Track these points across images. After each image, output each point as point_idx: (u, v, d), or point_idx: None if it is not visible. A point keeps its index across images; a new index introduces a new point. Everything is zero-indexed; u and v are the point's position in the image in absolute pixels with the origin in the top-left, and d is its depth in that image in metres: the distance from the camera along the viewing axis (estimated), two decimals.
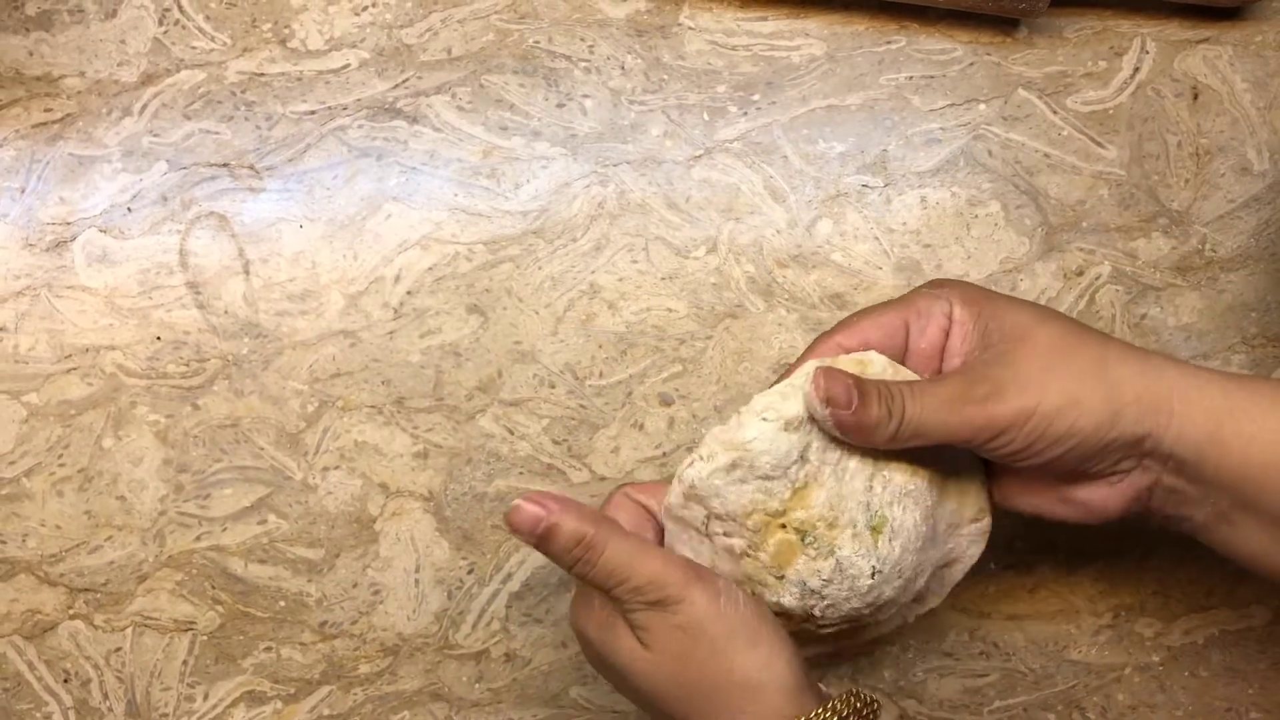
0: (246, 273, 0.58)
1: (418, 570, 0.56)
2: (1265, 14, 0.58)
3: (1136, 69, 0.59)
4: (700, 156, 0.58)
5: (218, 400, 0.56)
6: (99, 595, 0.55)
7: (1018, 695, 0.56)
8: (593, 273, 0.57)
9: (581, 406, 0.56)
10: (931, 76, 0.59)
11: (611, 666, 0.45)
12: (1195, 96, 0.59)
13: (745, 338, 0.57)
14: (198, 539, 0.55)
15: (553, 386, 0.57)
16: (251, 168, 0.58)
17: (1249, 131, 0.59)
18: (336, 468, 0.56)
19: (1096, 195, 0.57)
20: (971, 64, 0.59)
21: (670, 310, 0.57)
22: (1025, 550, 0.56)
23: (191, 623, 0.55)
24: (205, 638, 0.55)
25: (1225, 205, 0.57)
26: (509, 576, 0.56)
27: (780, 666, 0.42)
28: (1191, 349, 0.57)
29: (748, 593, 0.45)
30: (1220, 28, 0.58)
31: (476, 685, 0.55)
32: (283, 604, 0.55)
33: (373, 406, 0.56)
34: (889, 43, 0.59)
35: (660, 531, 0.47)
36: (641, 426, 0.56)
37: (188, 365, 0.56)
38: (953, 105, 0.59)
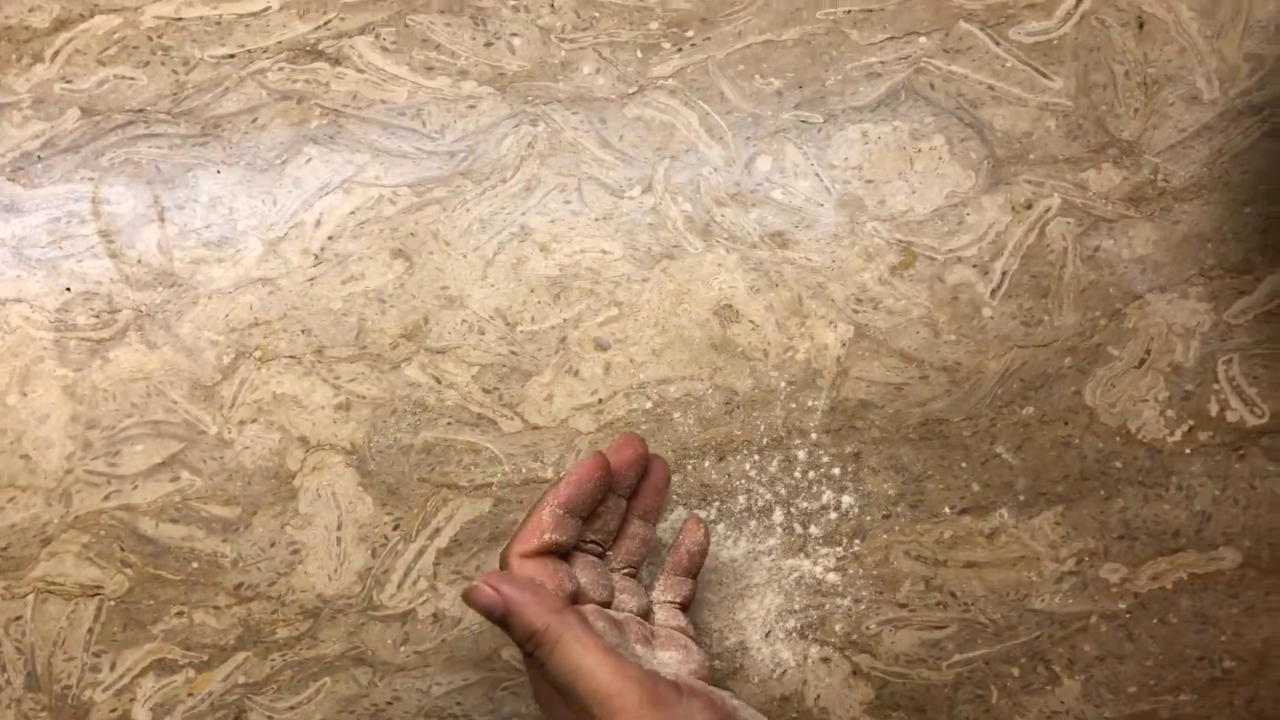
0: (161, 220, 0.54)
1: (339, 528, 0.50)
2: None
3: None
4: (634, 94, 0.53)
5: (129, 353, 0.50)
6: None
7: (978, 648, 0.50)
8: (523, 214, 0.52)
9: (513, 353, 0.51)
10: (870, 10, 0.54)
11: None
12: (1141, 25, 0.57)
13: (684, 279, 0.52)
14: (106, 498, 0.50)
15: (482, 333, 0.52)
16: (168, 113, 0.55)
17: (1197, 60, 0.54)
18: (254, 421, 0.50)
19: (1043, 127, 0.52)
20: None
21: (605, 252, 0.52)
22: (982, 493, 0.51)
23: (98, 587, 0.49)
24: (113, 603, 0.49)
25: (1176, 134, 0.52)
26: (437, 532, 0.50)
27: None
28: (1148, 281, 0.51)
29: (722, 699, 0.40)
30: None
31: (402, 648, 0.50)
32: (196, 566, 0.49)
33: (292, 357, 0.51)
34: None
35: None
36: (577, 373, 0.51)
37: (98, 317, 0.51)
38: (892, 39, 0.54)
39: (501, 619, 0.39)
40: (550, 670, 0.38)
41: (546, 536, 0.42)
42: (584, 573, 0.43)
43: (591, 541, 0.45)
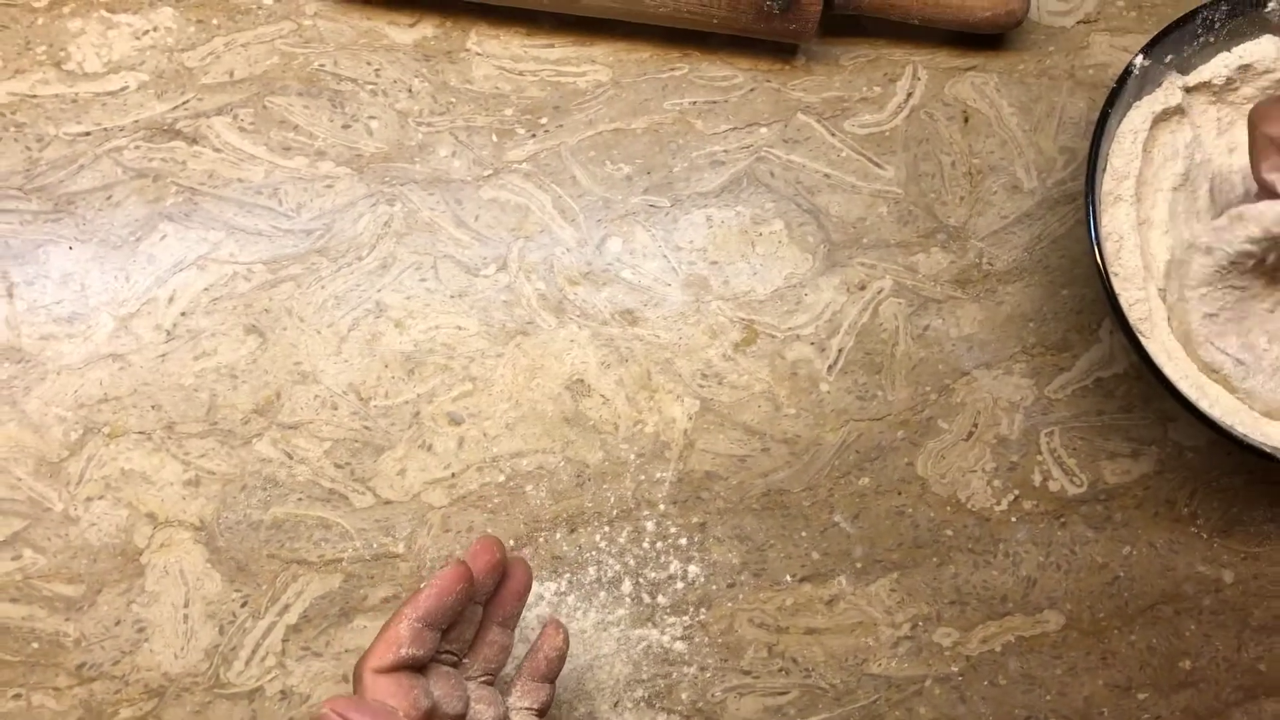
0: (10, 296, 0.54)
1: (187, 605, 0.50)
2: (1025, 44, 0.61)
3: (910, 94, 0.61)
4: (489, 176, 0.54)
5: None
6: None
7: (819, 712, 0.51)
8: (379, 291, 0.52)
9: (366, 428, 0.52)
10: (714, 102, 0.57)
11: None
12: (966, 120, 0.61)
13: (537, 354, 0.53)
14: None
15: (335, 408, 0.52)
16: (19, 189, 0.55)
17: (1017, 152, 0.57)
18: (101, 498, 0.50)
19: (876, 213, 0.55)
20: (752, 90, 0.60)
21: (460, 328, 0.53)
22: (821, 561, 0.53)
23: None
24: None
25: (999, 221, 0.56)
26: (286, 608, 0.50)
27: None
28: (975, 358, 0.54)
29: None
30: (985, 56, 0.61)
31: None
32: (36, 646, 0.49)
33: (141, 433, 0.50)
34: (672, 70, 0.60)
35: None
36: (430, 447, 0.52)
37: None
38: (735, 129, 0.56)
39: None
40: None
41: (403, 651, 0.40)
42: (439, 684, 0.42)
43: (447, 651, 0.43)
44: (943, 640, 0.53)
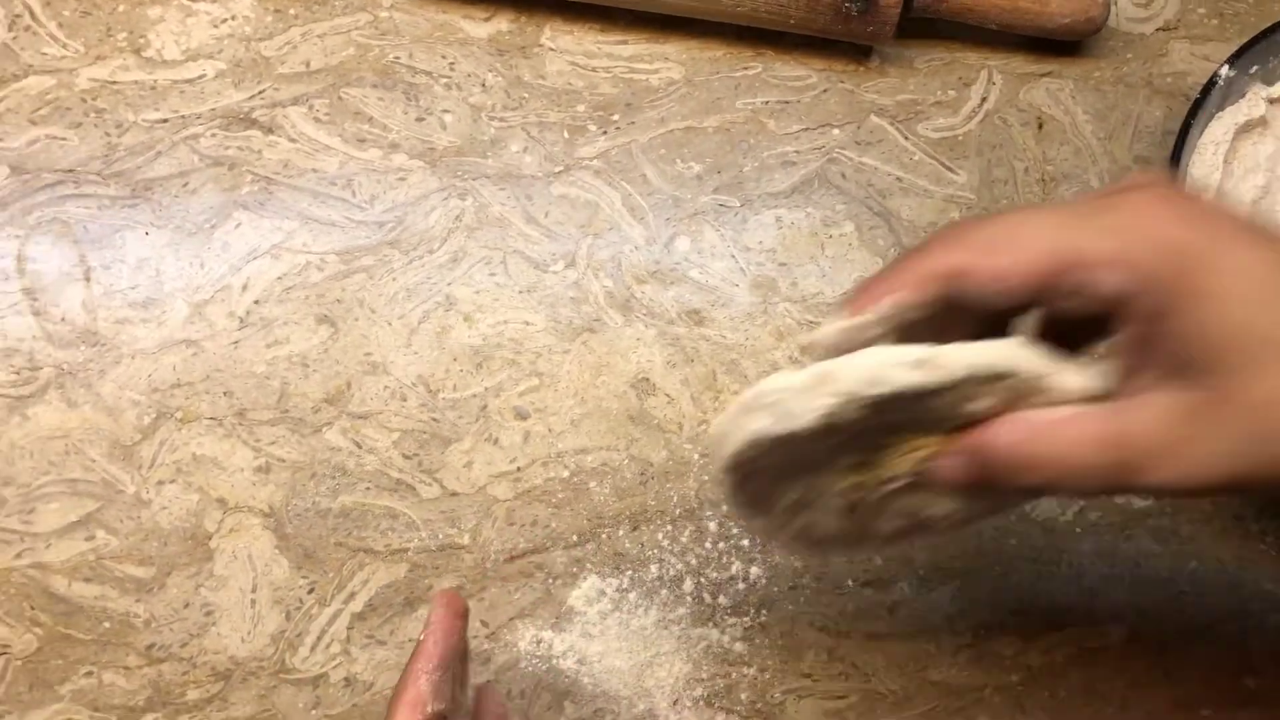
0: (87, 279, 0.53)
1: (254, 590, 0.51)
2: (1102, 50, 0.61)
3: (984, 98, 0.60)
4: (560, 173, 0.55)
5: (49, 410, 0.50)
6: None
7: (878, 717, 0.51)
8: (449, 285, 0.53)
9: (434, 420, 0.53)
10: (787, 102, 0.57)
11: None
12: (1040, 126, 0.60)
13: (603, 352, 0.54)
14: (18, 556, 0.49)
15: (404, 399, 0.53)
16: (98, 174, 0.56)
17: (1091, 160, 0.57)
18: (172, 482, 0.51)
19: (947, 217, 0.55)
20: (825, 90, 0.58)
21: (528, 323, 0.54)
22: (884, 568, 0.52)
23: (6, 646, 0.49)
24: (20, 662, 0.49)
25: None
26: (352, 596, 0.51)
27: None
28: None
29: None
30: (1061, 62, 0.61)
31: (313, 711, 0.50)
32: (107, 625, 0.49)
33: (213, 418, 0.51)
34: (745, 69, 0.58)
35: None
36: (496, 440, 0.52)
37: (19, 374, 0.51)
38: (807, 129, 0.56)
39: None
40: None
41: (429, 709, 0.40)
42: None
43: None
44: (1004, 649, 0.53)
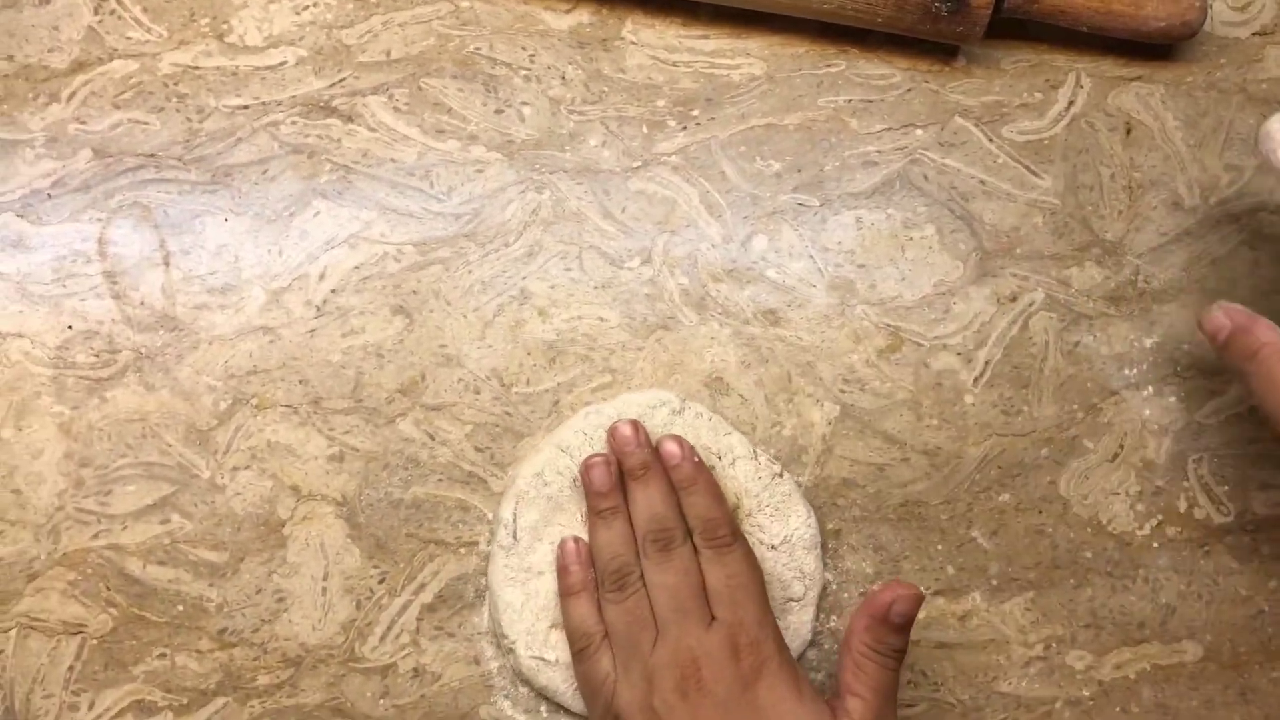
0: (166, 264, 0.53)
1: (326, 578, 0.51)
2: (1194, 55, 0.60)
3: (1071, 102, 0.59)
4: (638, 168, 0.54)
5: (127, 393, 0.51)
6: None
7: None
8: (524, 279, 0.53)
9: (506, 414, 0.52)
10: (870, 100, 0.56)
11: None
12: (1128, 131, 0.58)
13: (677, 350, 0.53)
14: (95, 537, 0.50)
15: (477, 392, 0.53)
16: (179, 159, 0.56)
17: (1180, 168, 0.56)
18: (247, 468, 0.51)
19: (1031, 223, 0.54)
20: (909, 90, 0.57)
21: (602, 320, 0.53)
22: (956, 576, 0.52)
23: (82, 625, 0.50)
24: (95, 642, 0.50)
25: (1158, 238, 0.55)
26: (422, 587, 0.51)
27: None
28: (1124, 379, 0.54)
29: None
30: (1151, 66, 0.59)
31: (381, 701, 0.50)
32: (181, 608, 0.50)
33: (288, 406, 0.52)
34: (829, 66, 0.57)
35: None
36: None
37: (98, 356, 0.51)
38: (890, 129, 0.55)
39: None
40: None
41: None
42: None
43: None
44: (1075, 663, 0.53)
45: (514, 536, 0.50)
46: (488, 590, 0.50)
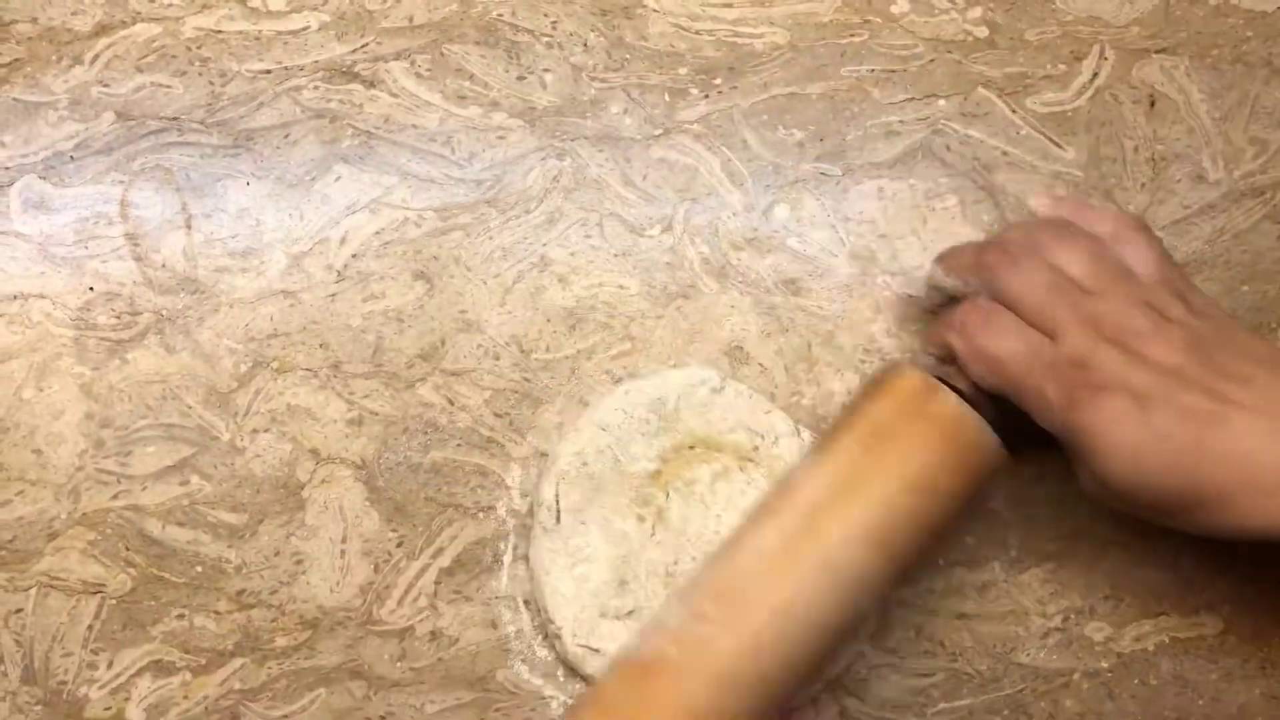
0: (188, 227, 0.54)
1: (344, 541, 0.51)
2: (1221, 28, 0.60)
3: (1095, 74, 0.59)
4: (659, 136, 0.54)
5: (148, 355, 0.51)
6: (3, 553, 0.50)
7: (963, 697, 0.51)
8: (544, 245, 0.53)
9: (526, 380, 0.53)
10: (893, 70, 0.55)
11: None
12: (1153, 104, 0.58)
13: (697, 318, 0.53)
14: (115, 497, 0.50)
15: (497, 358, 0.53)
16: (201, 123, 0.57)
17: (1204, 141, 0.56)
18: (266, 430, 0.51)
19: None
20: (932, 60, 0.57)
21: (622, 287, 0.53)
22: (975, 547, 0.52)
23: (101, 585, 0.50)
24: (114, 601, 0.50)
25: (1181, 211, 0.54)
26: (440, 551, 0.51)
27: None
28: None
29: None
30: (1177, 39, 0.60)
31: (399, 664, 0.50)
32: (199, 569, 0.50)
33: (309, 369, 0.52)
34: (852, 35, 0.57)
35: None
36: (586, 403, 0.52)
37: (119, 318, 0.52)
38: (912, 100, 0.56)
39: None
40: None
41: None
42: None
43: None
44: (1094, 635, 0.53)
45: (557, 519, 0.49)
46: (530, 572, 0.50)
